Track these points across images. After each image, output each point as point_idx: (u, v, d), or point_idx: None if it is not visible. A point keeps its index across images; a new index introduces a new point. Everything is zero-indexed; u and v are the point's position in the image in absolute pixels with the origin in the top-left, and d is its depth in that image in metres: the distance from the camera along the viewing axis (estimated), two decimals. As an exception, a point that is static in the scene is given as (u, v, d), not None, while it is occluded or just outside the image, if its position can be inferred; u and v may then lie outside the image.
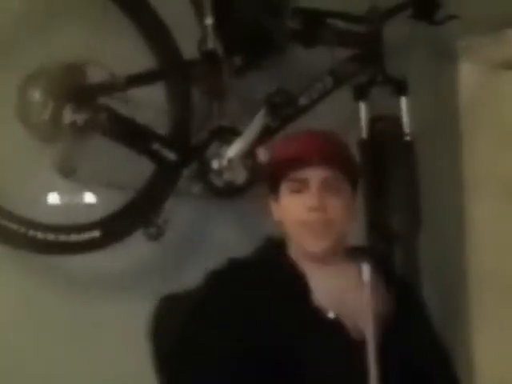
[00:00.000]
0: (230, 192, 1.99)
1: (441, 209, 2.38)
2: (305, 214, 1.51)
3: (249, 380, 1.42)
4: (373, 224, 2.11)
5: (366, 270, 1.50)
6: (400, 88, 2.18)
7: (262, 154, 1.95)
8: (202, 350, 1.45)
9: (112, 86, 1.84)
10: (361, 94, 2.14)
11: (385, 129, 2.17)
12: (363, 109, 2.14)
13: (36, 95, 1.77)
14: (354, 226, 1.81)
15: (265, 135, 1.99)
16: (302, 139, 1.59)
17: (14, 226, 1.74)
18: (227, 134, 1.99)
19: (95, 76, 1.83)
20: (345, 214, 1.53)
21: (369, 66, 2.16)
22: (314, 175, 1.51)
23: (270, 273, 1.53)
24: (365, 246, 1.69)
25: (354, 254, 1.58)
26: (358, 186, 1.60)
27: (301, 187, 1.52)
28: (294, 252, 1.57)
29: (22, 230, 1.74)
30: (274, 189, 1.57)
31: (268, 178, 1.61)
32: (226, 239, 2.05)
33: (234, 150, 1.98)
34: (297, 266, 1.53)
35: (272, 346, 1.43)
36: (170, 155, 1.91)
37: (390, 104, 2.20)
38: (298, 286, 1.50)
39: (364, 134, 2.13)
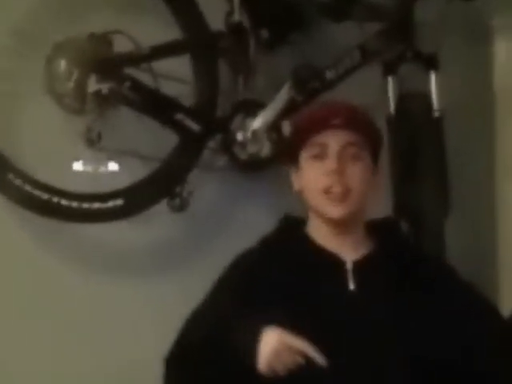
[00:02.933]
0: (254, 165, 1.99)
1: (471, 191, 2.32)
2: (324, 178, 1.50)
3: None
4: (399, 205, 2.08)
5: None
6: (430, 63, 2.14)
7: (287, 128, 1.94)
8: None
9: (137, 57, 1.84)
10: (390, 69, 2.11)
11: (413, 105, 2.12)
12: (392, 84, 2.10)
13: (61, 65, 1.77)
14: (380, 206, 1.79)
15: (290, 109, 1.96)
16: (322, 106, 1.57)
17: (37, 193, 1.75)
18: (252, 107, 1.98)
19: (121, 47, 1.83)
20: (364, 183, 1.51)
21: (398, 41, 2.11)
22: (334, 139, 1.50)
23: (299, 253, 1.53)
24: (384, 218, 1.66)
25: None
26: (379, 159, 1.58)
27: (321, 152, 1.51)
28: (312, 227, 1.56)
29: (46, 196, 1.75)
30: (294, 158, 1.57)
31: (289, 148, 1.61)
32: (249, 213, 2.03)
33: (258, 122, 1.96)
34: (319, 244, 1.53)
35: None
36: (194, 126, 1.90)
37: (419, 81, 2.16)
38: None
39: (392, 110, 2.10)
